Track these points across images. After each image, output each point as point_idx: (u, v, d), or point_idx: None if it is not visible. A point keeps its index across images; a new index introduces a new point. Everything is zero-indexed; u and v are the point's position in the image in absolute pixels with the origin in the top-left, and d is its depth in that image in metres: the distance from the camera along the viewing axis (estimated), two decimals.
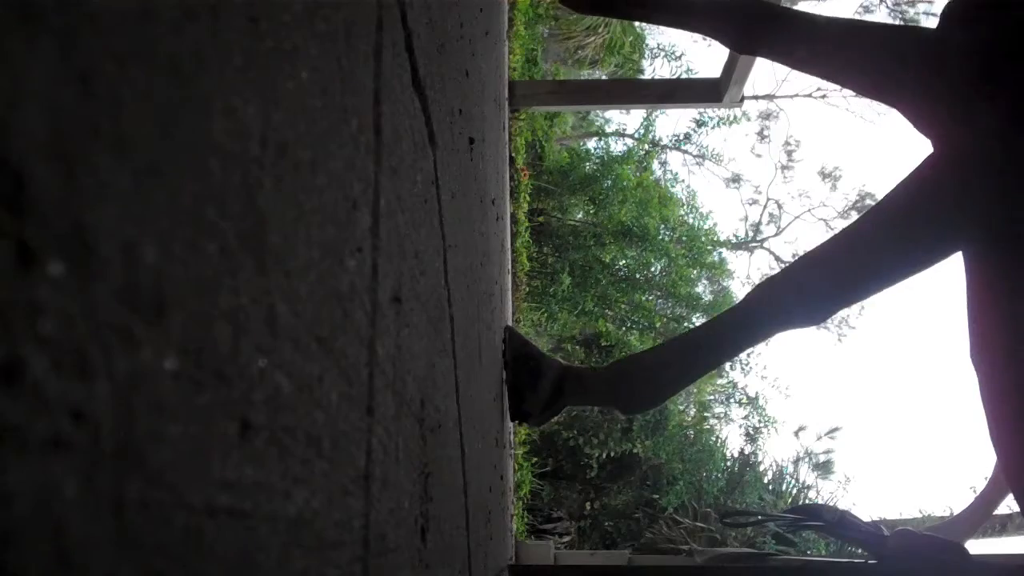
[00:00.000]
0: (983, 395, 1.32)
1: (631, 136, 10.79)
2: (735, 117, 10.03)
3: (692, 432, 7.90)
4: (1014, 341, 1.28)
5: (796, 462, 8.69)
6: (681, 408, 8.21)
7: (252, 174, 0.27)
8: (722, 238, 11.04)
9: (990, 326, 1.31)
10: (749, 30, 1.49)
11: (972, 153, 1.24)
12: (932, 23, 1.48)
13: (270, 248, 0.28)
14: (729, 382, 9.38)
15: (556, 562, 3.38)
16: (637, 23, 8.55)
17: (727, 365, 9.33)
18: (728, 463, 7.68)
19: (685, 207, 10.22)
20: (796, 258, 1.47)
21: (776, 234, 12.76)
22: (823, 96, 11.60)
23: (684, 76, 9.57)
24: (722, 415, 9.27)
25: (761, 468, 7.89)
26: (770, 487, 7.69)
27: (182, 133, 0.22)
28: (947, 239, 1.31)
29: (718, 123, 10.43)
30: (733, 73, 3.56)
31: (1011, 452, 1.28)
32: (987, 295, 1.31)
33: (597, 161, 9.37)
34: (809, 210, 12.75)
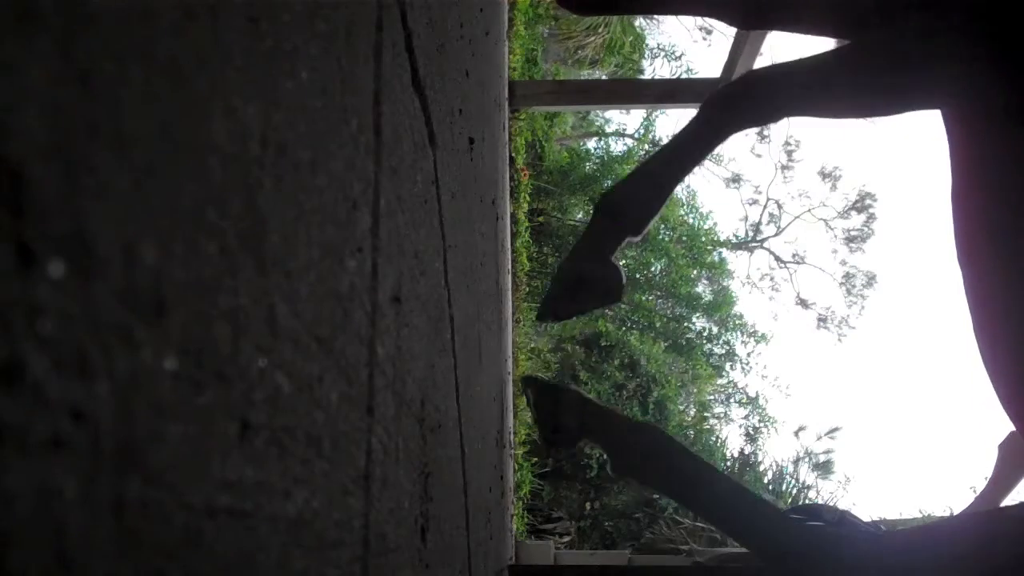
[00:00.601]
0: (968, 293, 1.25)
1: (631, 136, 10.79)
2: None
3: (692, 432, 7.90)
4: (1006, 228, 1.21)
5: (796, 462, 8.69)
6: (681, 408, 8.21)
7: (252, 174, 0.27)
8: (722, 238, 11.04)
9: (979, 209, 1.23)
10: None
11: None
12: None
13: (270, 248, 0.28)
14: (729, 382, 9.38)
15: (556, 562, 3.38)
16: (637, 22, 8.55)
17: (727, 365, 9.33)
18: (728, 463, 7.68)
19: (685, 207, 10.21)
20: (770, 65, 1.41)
21: (776, 234, 12.75)
22: None
23: (684, 76, 9.57)
24: (722, 415, 9.27)
25: (761, 468, 7.89)
26: (770, 487, 7.69)
27: (182, 133, 0.22)
28: (935, 87, 1.21)
29: None
30: (733, 73, 3.56)
31: (994, 352, 1.24)
32: (977, 173, 1.22)
33: (597, 161, 9.37)
34: (809, 210, 12.75)
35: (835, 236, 12.62)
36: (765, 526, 1.31)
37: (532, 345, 7.24)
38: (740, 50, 3.43)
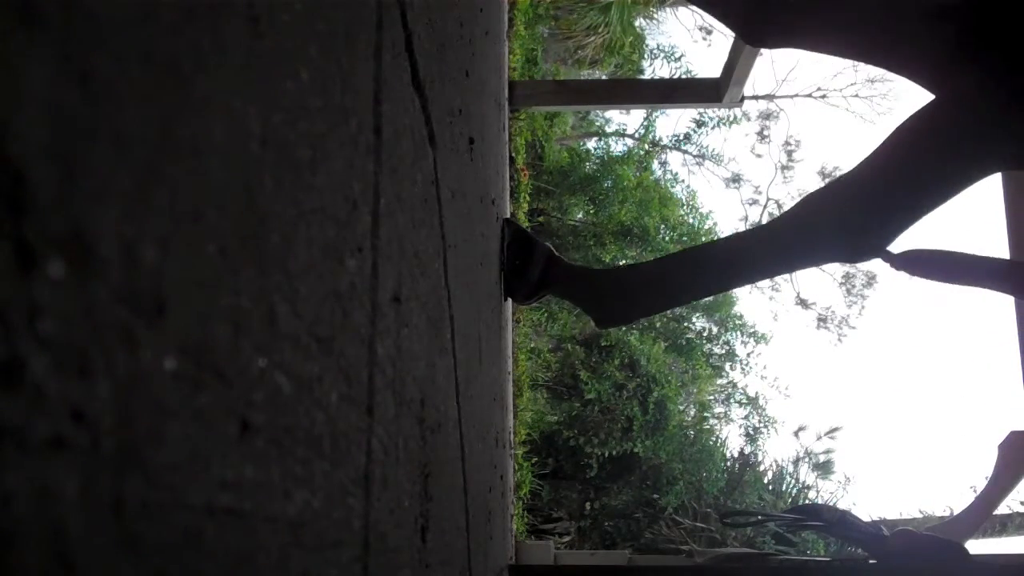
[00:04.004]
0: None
1: (631, 136, 10.79)
2: (735, 117, 10.02)
3: (692, 432, 7.89)
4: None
5: (796, 462, 8.69)
6: (681, 408, 8.21)
7: (252, 174, 0.27)
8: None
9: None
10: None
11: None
12: None
13: (270, 248, 0.28)
14: (729, 382, 9.38)
15: (556, 562, 3.38)
16: (637, 22, 8.54)
17: (727, 365, 9.33)
18: (728, 463, 7.68)
19: (685, 207, 10.21)
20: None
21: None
22: (823, 96, 11.60)
23: (684, 76, 9.57)
24: (722, 415, 9.27)
25: (761, 468, 7.88)
26: (770, 487, 7.69)
27: (182, 133, 0.22)
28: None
29: (718, 123, 10.43)
30: (733, 73, 3.56)
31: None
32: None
33: (597, 161, 9.37)
34: None
35: None
36: (764, 248, 1.42)
37: (532, 345, 7.24)
38: (740, 51, 3.43)
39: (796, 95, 11.83)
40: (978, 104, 1.24)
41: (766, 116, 12.27)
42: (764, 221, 12.63)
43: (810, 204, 1.41)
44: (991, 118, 1.23)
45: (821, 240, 1.38)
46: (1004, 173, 2.30)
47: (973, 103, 1.24)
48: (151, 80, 0.21)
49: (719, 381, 9.40)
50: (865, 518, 1.77)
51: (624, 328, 8.63)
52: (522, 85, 4.21)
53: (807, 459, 9.04)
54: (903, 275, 1.45)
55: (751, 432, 8.92)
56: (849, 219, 1.34)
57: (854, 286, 12.55)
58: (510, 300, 1.80)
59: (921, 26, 1.30)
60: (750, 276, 1.57)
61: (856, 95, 11.38)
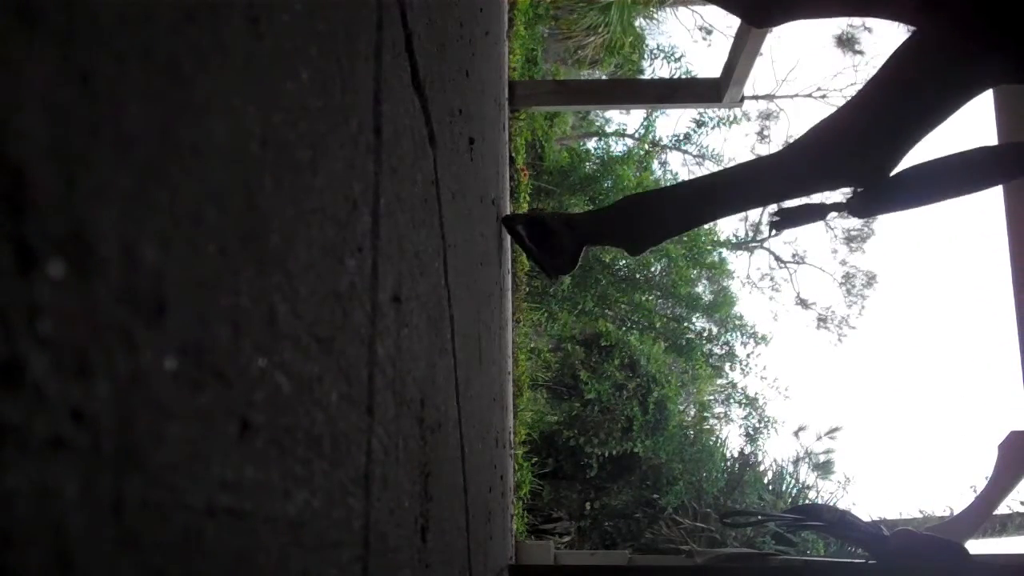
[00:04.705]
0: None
1: (631, 136, 10.79)
2: (735, 117, 10.02)
3: (692, 432, 7.89)
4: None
5: (796, 462, 8.69)
6: (681, 408, 8.21)
7: (252, 174, 0.27)
8: (722, 238, 11.04)
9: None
10: None
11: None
12: None
13: (270, 248, 0.28)
14: (729, 382, 9.38)
15: (556, 562, 3.38)
16: (637, 22, 8.54)
17: (726, 365, 9.33)
18: (728, 463, 7.68)
19: None
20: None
21: (776, 234, 12.73)
22: (823, 96, 11.60)
23: (684, 76, 9.57)
24: (722, 415, 9.26)
25: (761, 468, 7.88)
26: (770, 487, 7.69)
27: (182, 133, 0.22)
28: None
29: (718, 123, 10.43)
30: (733, 73, 3.56)
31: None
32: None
33: (597, 161, 9.37)
34: None
35: (835, 236, 12.62)
36: (776, 173, 1.49)
37: (532, 345, 7.24)
38: (740, 51, 3.43)
39: (796, 95, 11.83)
40: (972, 23, 1.29)
41: (766, 116, 12.26)
42: (764, 221, 12.64)
43: (818, 130, 1.45)
44: (984, 38, 1.29)
45: (830, 163, 1.43)
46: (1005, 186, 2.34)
47: (967, 23, 1.28)
48: (151, 80, 0.21)
49: (719, 381, 9.40)
50: (865, 518, 1.77)
51: (624, 328, 8.63)
52: (522, 85, 4.21)
53: (807, 459, 9.04)
54: (897, 208, 1.51)
55: (751, 432, 8.92)
56: (856, 140, 1.39)
57: (854, 286, 12.55)
58: (509, 302, 1.84)
59: None
60: (764, 200, 1.65)
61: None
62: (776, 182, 1.49)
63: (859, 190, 1.50)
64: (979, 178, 1.48)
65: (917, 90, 1.35)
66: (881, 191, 1.47)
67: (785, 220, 1.63)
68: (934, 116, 1.34)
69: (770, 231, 1.66)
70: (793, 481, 8.02)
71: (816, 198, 1.57)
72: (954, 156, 1.47)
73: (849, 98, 1.46)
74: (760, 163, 1.57)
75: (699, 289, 10.12)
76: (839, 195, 1.63)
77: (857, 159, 1.40)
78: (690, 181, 1.73)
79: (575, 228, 1.64)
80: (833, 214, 1.61)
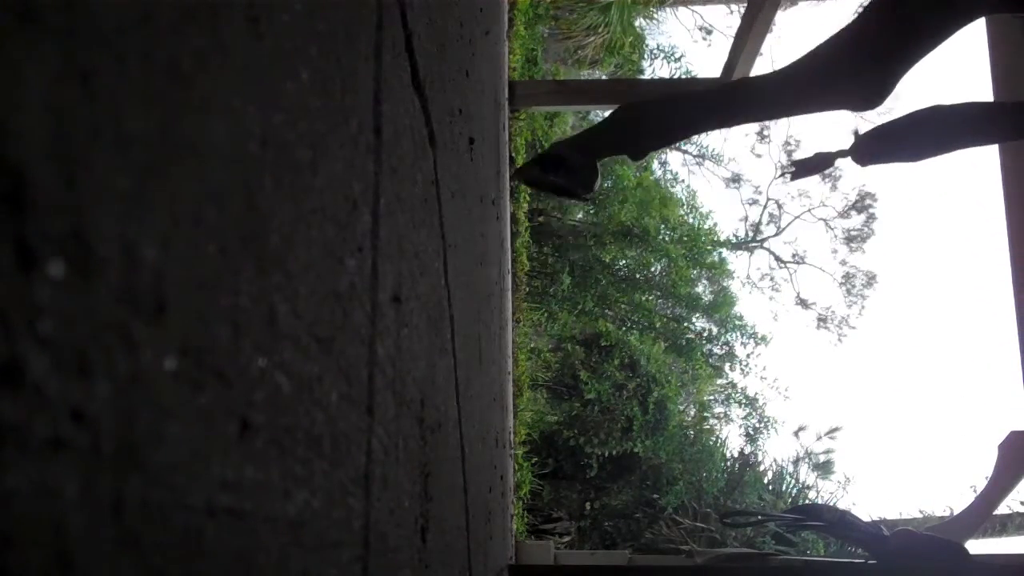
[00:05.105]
0: None
1: None
2: None
3: (692, 432, 7.89)
4: None
5: (796, 462, 8.69)
6: (681, 408, 8.21)
7: (252, 174, 0.27)
8: (722, 238, 11.04)
9: None
10: None
11: None
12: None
13: (270, 248, 0.28)
14: (729, 382, 9.38)
15: (556, 562, 3.38)
16: (637, 22, 8.54)
17: (726, 365, 9.33)
18: (728, 463, 7.68)
19: (685, 207, 10.21)
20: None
21: (776, 234, 12.74)
22: None
23: (684, 76, 9.57)
24: (722, 415, 9.27)
25: (761, 468, 7.88)
26: (770, 487, 7.69)
27: (182, 133, 0.22)
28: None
29: None
30: (733, 73, 3.56)
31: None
32: None
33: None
34: (809, 210, 12.73)
35: (835, 236, 12.62)
36: (779, 88, 1.51)
37: (532, 345, 7.24)
38: (740, 51, 3.43)
39: None
40: None
41: None
42: (764, 221, 12.65)
43: (821, 49, 1.48)
44: None
45: (831, 78, 1.46)
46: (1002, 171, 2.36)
47: None
48: (151, 80, 0.21)
49: (719, 381, 9.40)
50: (865, 518, 1.77)
51: (624, 328, 8.63)
52: (522, 85, 4.21)
53: (807, 459, 9.03)
54: (896, 158, 1.55)
55: (751, 432, 8.92)
56: (855, 57, 1.42)
57: (854, 286, 12.55)
58: (509, 302, 1.86)
59: None
60: (765, 112, 1.69)
61: None
62: (778, 96, 1.53)
63: (859, 137, 1.55)
64: (978, 132, 1.52)
65: (912, 14, 1.38)
66: (880, 137, 1.52)
67: (800, 170, 1.69)
68: (929, 38, 1.37)
69: (788, 178, 1.71)
70: (793, 481, 8.02)
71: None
72: (955, 107, 1.51)
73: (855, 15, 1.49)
74: (763, 78, 1.61)
75: (699, 289, 10.12)
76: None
77: (856, 77, 1.43)
78: (694, 91, 1.78)
79: (580, 147, 1.69)
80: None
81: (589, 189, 1.70)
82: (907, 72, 1.42)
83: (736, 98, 1.57)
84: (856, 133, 1.58)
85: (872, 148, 1.54)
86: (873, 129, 1.56)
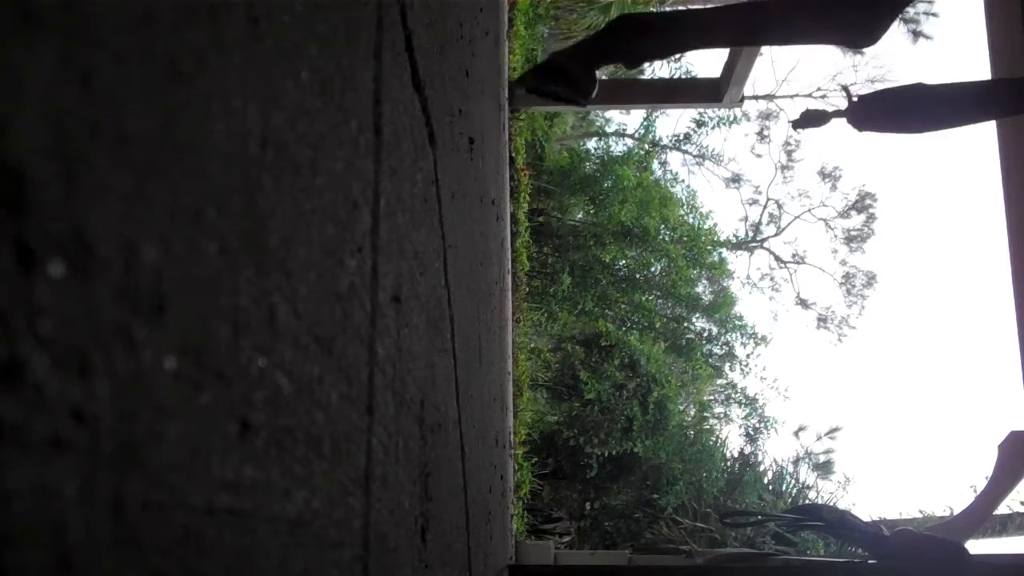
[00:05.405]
0: None
1: (631, 136, 10.79)
2: (735, 117, 10.03)
3: (692, 432, 7.89)
4: None
5: (796, 462, 8.69)
6: (681, 408, 8.21)
7: (252, 174, 0.27)
8: (722, 238, 11.04)
9: None
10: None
11: None
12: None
13: (270, 248, 0.28)
14: (728, 382, 9.38)
15: (556, 562, 3.38)
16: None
17: (726, 365, 9.33)
18: (728, 463, 7.68)
19: (685, 207, 10.22)
20: None
21: (776, 234, 12.75)
22: (823, 96, 11.60)
23: (684, 76, 9.57)
24: (722, 415, 9.27)
25: (761, 468, 7.88)
26: (770, 487, 7.69)
27: (182, 133, 0.22)
28: None
29: (718, 123, 10.44)
30: (733, 73, 3.56)
31: None
32: None
33: (597, 161, 9.37)
34: (809, 210, 12.74)
35: (835, 236, 12.63)
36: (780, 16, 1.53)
37: (532, 345, 7.25)
38: (740, 51, 3.43)
39: (796, 95, 11.84)
40: None
41: (766, 116, 12.27)
42: (764, 221, 12.65)
43: None
44: None
45: (824, 11, 1.48)
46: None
47: None
48: (151, 80, 0.21)
49: (719, 381, 9.40)
50: (865, 518, 1.77)
51: (624, 328, 8.64)
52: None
53: (807, 459, 9.04)
54: (890, 127, 1.58)
55: (751, 432, 8.92)
56: None
57: (854, 286, 12.56)
58: (509, 302, 1.87)
59: None
60: (754, 37, 1.74)
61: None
62: (770, 23, 1.57)
63: (857, 98, 1.57)
64: (978, 107, 1.54)
65: None
66: (877, 102, 1.54)
67: (801, 122, 1.75)
68: None
69: (793, 127, 1.76)
70: (793, 481, 8.02)
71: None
72: (955, 82, 1.53)
73: None
74: (754, 5, 1.66)
75: (699, 289, 10.13)
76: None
77: (848, 11, 1.45)
78: (694, 8, 1.80)
79: (579, 55, 1.72)
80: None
81: (588, 96, 1.73)
82: (894, 17, 1.44)
83: (737, 16, 1.60)
84: (849, 92, 1.62)
85: (869, 111, 1.57)
86: (871, 93, 1.60)
